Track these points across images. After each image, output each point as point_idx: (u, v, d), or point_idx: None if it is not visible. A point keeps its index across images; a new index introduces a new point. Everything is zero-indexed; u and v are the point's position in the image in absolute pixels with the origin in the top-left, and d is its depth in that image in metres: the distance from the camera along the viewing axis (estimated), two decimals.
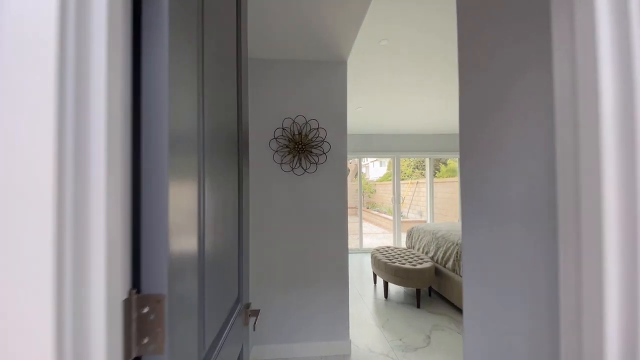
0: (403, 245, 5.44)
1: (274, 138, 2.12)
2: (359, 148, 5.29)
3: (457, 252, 2.96)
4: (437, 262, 3.33)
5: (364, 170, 5.35)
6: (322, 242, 2.15)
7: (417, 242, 3.91)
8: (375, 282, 3.73)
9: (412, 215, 8.81)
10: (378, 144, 5.34)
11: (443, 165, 8.90)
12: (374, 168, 11.72)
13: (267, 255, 2.12)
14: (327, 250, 2.15)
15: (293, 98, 2.14)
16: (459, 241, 2.99)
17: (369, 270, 4.30)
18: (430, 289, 3.32)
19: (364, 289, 3.57)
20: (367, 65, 2.68)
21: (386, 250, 3.66)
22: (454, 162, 8.99)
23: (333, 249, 2.16)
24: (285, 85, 2.14)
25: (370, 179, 11.25)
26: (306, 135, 2.13)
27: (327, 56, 2.10)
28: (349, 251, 5.41)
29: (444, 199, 6.79)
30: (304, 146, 2.11)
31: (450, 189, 6.48)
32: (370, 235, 7.80)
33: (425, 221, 7.58)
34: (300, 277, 2.13)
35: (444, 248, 3.21)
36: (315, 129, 2.14)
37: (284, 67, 2.14)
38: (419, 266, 3.06)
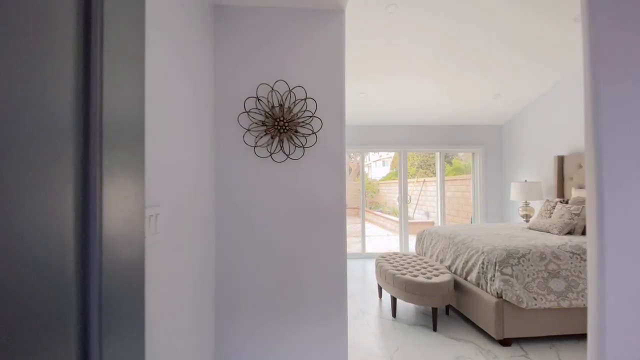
0: (411, 249, 4.85)
1: (246, 111, 1.56)
2: (362, 141, 4.72)
3: (483, 262, 2.38)
4: (455, 272, 2.76)
5: (365, 170, 4.81)
6: (310, 251, 1.58)
7: (430, 248, 3.33)
8: (380, 296, 3.15)
9: (418, 216, 8.24)
10: (383, 137, 4.76)
11: (448, 164, 8.29)
12: (377, 167, 11.21)
13: (235, 273, 1.56)
14: (317, 263, 1.59)
15: (271, 58, 1.59)
16: (486, 248, 2.41)
17: (372, 280, 3.72)
18: (447, 306, 2.74)
19: (367, 304, 2.99)
20: (371, 39, 2.13)
21: (393, 258, 3.08)
22: (458, 161, 8.37)
23: (326, 261, 1.59)
24: (260, 41, 1.58)
25: (372, 177, 10.73)
26: (289, 109, 1.57)
27: (318, 1, 1.54)
28: (350, 256, 4.84)
29: (454, 198, 6.21)
30: (287, 123, 1.55)
31: (462, 188, 5.89)
32: (373, 237, 7.21)
33: (433, 223, 6.99)
34: (280, 299, 1.57)
35: (465, 256, 2.63)
36: (301, 99, 1.58)
37: (258, 16, 1.58)
38: (434, 279, 2.49)
